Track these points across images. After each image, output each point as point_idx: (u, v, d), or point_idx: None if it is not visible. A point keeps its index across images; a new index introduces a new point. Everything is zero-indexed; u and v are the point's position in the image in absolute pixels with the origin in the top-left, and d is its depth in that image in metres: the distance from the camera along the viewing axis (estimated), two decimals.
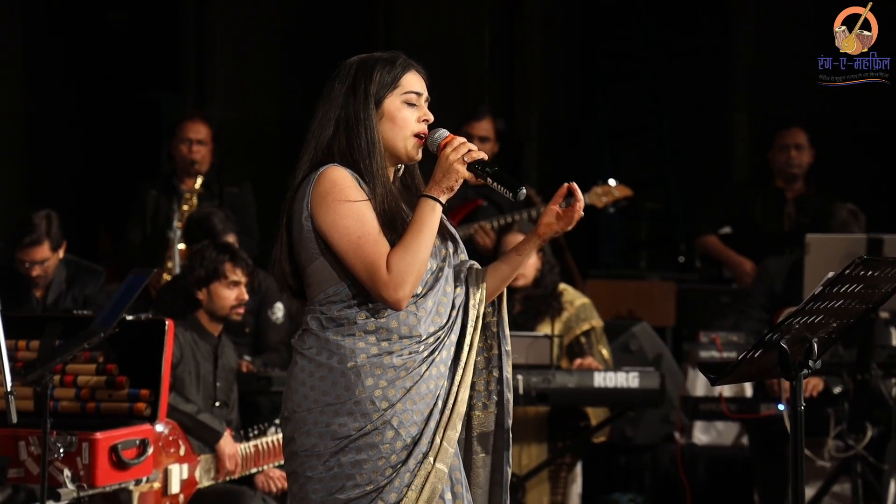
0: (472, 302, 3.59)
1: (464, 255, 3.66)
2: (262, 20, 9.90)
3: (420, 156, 3.58)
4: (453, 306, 3.56)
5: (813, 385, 6.25)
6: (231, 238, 6.69)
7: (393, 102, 3.54)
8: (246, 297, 5.85)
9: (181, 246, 7.30)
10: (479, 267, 3.66)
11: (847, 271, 3.45)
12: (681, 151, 10.34)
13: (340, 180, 3.46)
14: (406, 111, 3.55)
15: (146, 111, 11.03)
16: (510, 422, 3.66)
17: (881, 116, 8.73)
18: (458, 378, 3.53)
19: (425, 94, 3.59)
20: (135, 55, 10.72)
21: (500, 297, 3.68)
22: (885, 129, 9.08)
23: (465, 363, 3.55)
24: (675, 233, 10.31)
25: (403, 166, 3.63)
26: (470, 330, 3.57)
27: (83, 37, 10.25)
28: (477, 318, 3.59)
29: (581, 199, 3.57)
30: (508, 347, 3.67)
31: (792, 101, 8.75)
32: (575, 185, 3.57)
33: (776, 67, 9.39)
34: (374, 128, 3.52)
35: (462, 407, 3.54)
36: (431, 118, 3.58)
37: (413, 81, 3.57)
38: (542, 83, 10.09)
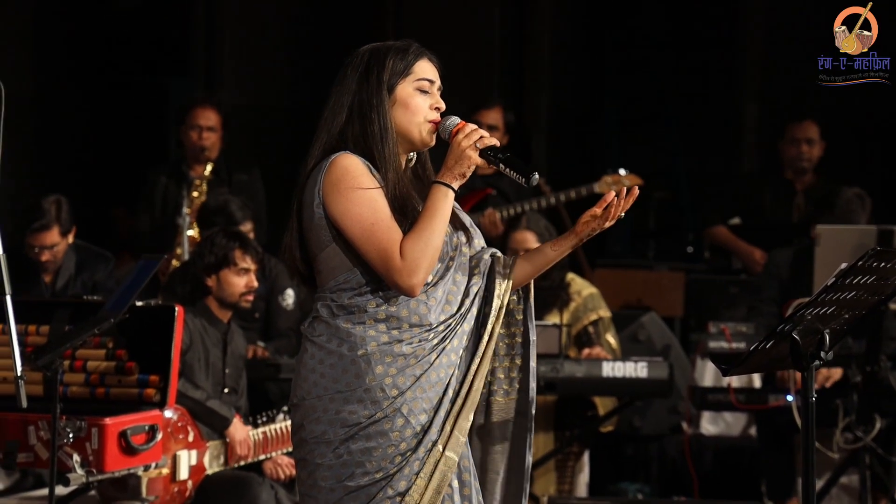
0: (497, 292, 3.56)
1: (481, 243, 3.65)
2: (272, 6, 9.89)
3: (434, 141, 3.58)
4: (467, 294, 3.54)
5: (832, 374, 6.23)
6: (248, 226, 6.69)
7: (405, 89, 3.54)
8: (255, 284, 5.84)
9: (191, 232, 7.29)
10: (505, 256, 3.64)
11: (860, 262, 3.45)
12: (689, 141, 10.32)
13: (352, 168, 3.46)
14: (419, 98, 3.55)
15: (154, 95, 11.01)
16: (533, 410, 3.63)
17: (893, 108, 8.70)
18: (473, 367, 3.52)
19: (438, 82, 3.59)
20: (144, 39, 10.70)
21: (526, 287, 3.66)
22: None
23: (484, 353, 3.53)
24: (683, 223, 10.29)
25: (415, 155, 3.62)
26: (492, 319, 3.55)
27: (92, 20, 10.23)
28: (501, 307, 3.57)
29: (621, 204, 3.51)
30: (535, 337, 3.65)
31: (802, 91, 8.72)
32: (623, 189, 3.52)
33: (785, 56, 9.37)
34: (387, 114, 3.52)
35: (476, 396, 3.52)
36: (443, 106, 3.57)
37: (426, 69, 3.57)
38: (550, 73, 10.08)
